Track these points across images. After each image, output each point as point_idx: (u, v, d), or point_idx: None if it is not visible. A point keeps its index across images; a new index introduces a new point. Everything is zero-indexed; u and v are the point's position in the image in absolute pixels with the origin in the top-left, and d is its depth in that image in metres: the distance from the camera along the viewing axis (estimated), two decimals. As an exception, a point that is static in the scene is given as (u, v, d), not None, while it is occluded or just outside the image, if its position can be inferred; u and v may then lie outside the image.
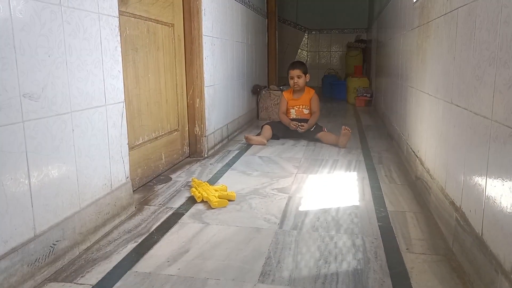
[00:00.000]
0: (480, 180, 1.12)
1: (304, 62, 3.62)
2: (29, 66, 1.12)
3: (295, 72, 3.23)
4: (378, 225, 1.56)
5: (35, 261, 1.14)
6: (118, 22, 1.58)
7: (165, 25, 2.27)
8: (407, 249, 1.37)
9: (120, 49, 1.60)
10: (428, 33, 1.91)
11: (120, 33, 1.60)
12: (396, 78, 3.09)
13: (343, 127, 2.91)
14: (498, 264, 0.98)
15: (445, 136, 1.54)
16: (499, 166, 1.00)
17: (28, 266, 1.12)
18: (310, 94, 3.29)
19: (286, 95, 3.33)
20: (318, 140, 3.08)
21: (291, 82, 3.25)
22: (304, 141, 3.10)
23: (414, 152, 2.16)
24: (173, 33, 2.38)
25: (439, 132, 1.63)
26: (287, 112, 3.31)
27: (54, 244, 1.22)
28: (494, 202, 1.02)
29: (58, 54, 1.24)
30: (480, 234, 1.11)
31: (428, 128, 1.85)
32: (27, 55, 1.11)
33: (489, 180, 1.06)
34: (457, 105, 1.37)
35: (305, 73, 3.24)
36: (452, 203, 1.38)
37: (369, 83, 5.63)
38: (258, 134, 3.14)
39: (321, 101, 3.40)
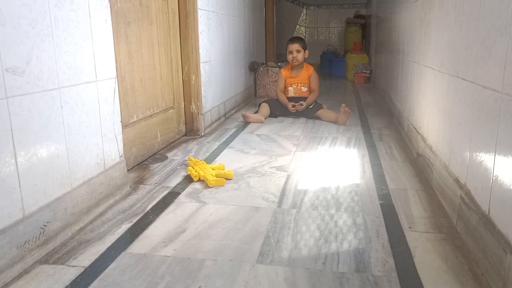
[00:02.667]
0: (488, 157, 1.07)
1: (303, 38, 3.54)
2: (11, 38, 1.05)
3: (294, 46, 3.13)
4: (380, 203, 1.52)
5: (25, 243, 1.10)
6: (107, -7, 1.50)
7: (158, -2, 2.18)
8: (409, 227, 1.33)
9: (110, 22, 1.52)
10: (432, 4, 1.83)
11: (110, 5, 1.52)
12: (397, 53, 3.02)
13: (342, 105, 2.85)
14: (506, 243, 0.94)
15: (449, 112, 1.48)
16: (509, 141, 0.95)
17: (17, 248, 1.07)
18: (309, 71, 3.21)
19: (284, 72, 3.24)
20: (317, 118, 3.02)
21: (289, 57, 3.15)
22: (303, 119, 3.04)
23: (415, 129, 2.11)
24: (167, 6, 2.29)
25: (443, 107, 1.58)
26: (285, 90, 3.23)
27: (45, 226, 1.17)
28: (503, 179, 0.97)
29: (43, 26, 1.16)
30: (487, 212, 1.06)
31: (431, 104, 1.79)
32: (8, 26, 1.04)
33: (498, 157, 1.01)
34: (464, 79, 1.31)
35: (304, 49, 3.15)
36: (457, 180, 1.34)
37: (368, 59, 5.53)
38: (256, 112, 3.08)
39: (319, 78, 3.32)
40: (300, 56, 3.13)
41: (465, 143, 1.27)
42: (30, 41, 1.12)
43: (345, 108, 2.80)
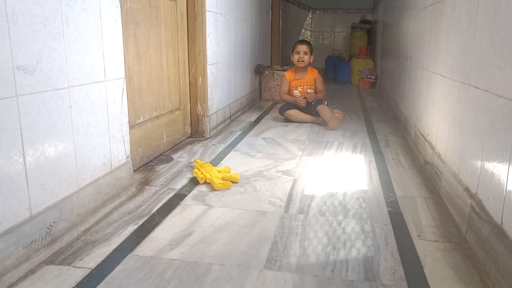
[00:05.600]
0: (501, 167, 1.06)
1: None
2: (23, 36, 1.04)
3: (303, 48, 3.12)
4: (388, 210, 1.50)
5: (31, 243, 1.09)
6: (118, -7, 1.49)
7: (167, -1, 2.17)
8: (418, 236, 1.32)
9: (120, 22, 1.51)
10: (443, 11, 1.82)
11: (120, 5, 1.52)
12: (404, 59, 3.00)
13: (335, 110, 2.84)
14: (520, 255, 0.92)
15: (460, 120, 1.47)
16: (525, 151, 0.94)
17: (23, 248, 1.06)
18: (314, 74, 3.20)
19: (288, 75, 3.22)
20: (318, 115, 3.00)
21: (296, 57, 3.13)
22: (308, 123, 3.02)
23: (423, 136, 2.10)
24: (176, 7, 2.29)
25: (453, 115, 1.57)
26: (290, 94, 3.21)
27: (51, 226, 1.16)
28: (518, 189, 0.96)
29: (54, 24, 1.16)
30: (500, 223, 1.05)
31: (440, 111, 1.78)
32: (20, 25, 1.03)
33: (513, 167, 0.99)
34: (476, 87, 1.30)
35: (311, 52, 3.15)
36: (467, 189, 1.33)
37: (373, 64, 5.52)
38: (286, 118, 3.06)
39: (324, 82, 3.31)
40: (306, 58, 3.12)
41: (477, 152, 1.25)
42: (41, 40, 1.11)
43: (338, 113, 2.80)
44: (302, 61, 3.12)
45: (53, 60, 1.16)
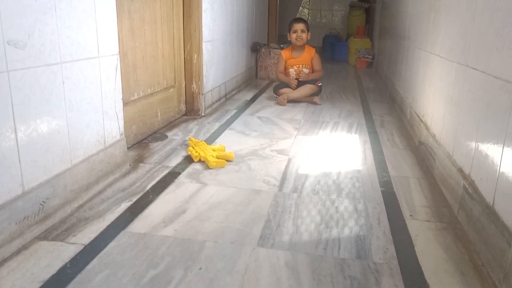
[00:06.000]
0: (496, 148, 1.06)
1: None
2: (13, 10, 1.02)
3: (299, 26, 3.09)
4: (381, 190, 1.51)
5: (24, 219, 1.09)
6: (111, -34, 1.46)
7: (162, -27, 2.12)
8: (410, 215, 1.33)
9: (114, -4, 1.48)
10: (443, -10, 1.79)
11: (114, -21, 1.48)
12: (402, 39, 2.98)
13: (316, 98, 2.98)
14: (510, 235, 0.93)
15: (456, 101, 1.46)
16: (519, 133, 0.94)
17: (16, 224, 1.06)
18: (311, 53, 3.17)
19: (284, 54, 3.19)
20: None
21: (293, 36, 3.10)
22: (304, 103, 3.01)
23: (418, 116, 2.10)
24: (171, -18, 2.24)
25: (449, 96, 1.56)
26: (286, 73, 3.19)
27: (44, 202, 1.16)
28: (511, 172, 0.96)
29: (45, -3, 1.13)
30: (491, 204, 1.06)
31: (437, 92, 1.77)
32: (10, -3, 1.00)
33: (507, 149, 0.99)
34: (474, 68, 1.29)
35: (307, 30, 3.12)
36: (460, 170, 1.33)
37: (371, 44, 5.48)
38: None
39: (321, 61, 3.28)
40: (304, 36, 3.10)
41: (472, 134, 1.26)
42: (33, 14, 1.08)
43: (316, 100, 2.96)
44: (301, 39, 3.09)
45: (45, 35, 1.14)
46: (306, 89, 2.99)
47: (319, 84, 3.05)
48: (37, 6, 1.10)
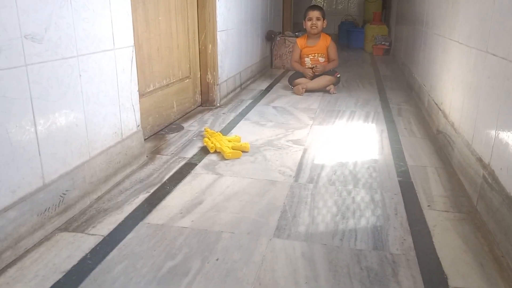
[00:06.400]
0: (516, 137, 1.04)
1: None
2: (30, 4, 1.03)
3: (315, 14, 3.03)
4: (398, 180, 1.50)
5: (45, 210, 1.11)
6: (125, -42, 1.46)
7: (176, -37, 2.12)
8: (428, 206, 1.31)
9: (128, -12, 1.48)
10: (462, -26, 1.74)
11: (128, -30, 1.48)
12: (420, 25, 2.92)
13: (332, 87, 2.96)
14: (531, 226, 0.91)
15: (475, 88, 1.43)
16: (541, 122, 0.91)
17: (37, 215, 1.09)
18: (327, 42, 3.12)
19: (299, 42, 3.15)
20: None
21: (308, 24, 3.05)
22: (319, 92, 2.99)
23: (436, 105, 2.06)
24: (185, -28, 2.23)
25: (468, 83, 1.53)
26: (301, 61, 3.15)
27: (64, 194, 1.18)
28: (532, 161, 0.94)
29: (61, -9, 1.14)
30: (512, 194, 1.04)
31: (455, 79, 1.73)
32: (27, -8, 1.01)
33: (528, 137, 0.97)
34: (494, 54, 1.26)
35: (323, 17, 3.07)
36: (480, 159, 1.31)
37: (388, 31, 5.38)
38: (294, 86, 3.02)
39: (337, 49, 3.24)
40: (319, 24, 3.04)
41: (492, 122, 1.23)
42: (49, 7, 1.09)
43: (331, 89, 2.95)
44: (316, 27, 3.04)
45: (61, 28, 1.15)
46: (324, 80, 2.95)
47: (338, 76, 3.01)
48: None
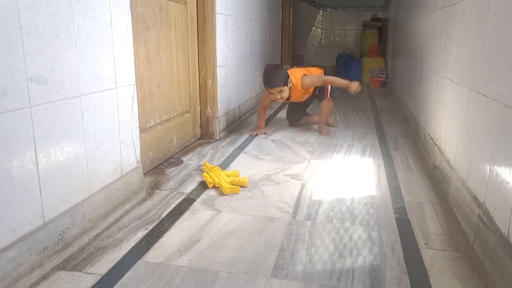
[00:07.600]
0: (509, 177, 1.06)
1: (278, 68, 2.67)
2: (36, 47, 1.07)
3: (274, 90, 2.57)
4: (395, 217, 1.51)
5: (44, 249, 1.12)
6: (129, 0, 1.51)
7: (177, 2, 2.19)
8: (425, 244, 1.32)
9: (131, 28, 1.54)
10: (453, 15, 1.81)
11: (131, 11, 1.54)
12: (415, 60, 2.99)
13: (330, 120, 2.93)
14: (526, 268, 0.92)
15: (468, 126, 1.46)
16: (532, 165, 0.94)
17: (36, 254, 1.09)
18: (309, 91, 2.74)
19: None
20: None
21: (273, 98, 2.65)
22: (317, 125, 3.02)
23: (432, 140, 2.09)
24: (186, 11, 2.30)
25: (462, 121, 1.56)
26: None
27: (63, 232, 1.19)
28: (525, 203, 0.96)
29: (66, 34, 1.18)
30: (506, 234, 1.05)
31: (449, 116, 1.77)
32: (33, 36, 1.05)
33: (520, 179, 0.99)
34: (485, 95, 1.29)
35: (285, 84, 2.57)
36: (475, 198, 1.32)
37: (384, 63, 5.49)
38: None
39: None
40: (284, 94, 2.60)
41: (485, 161, 1.25)
42: (54, 50, 1.13)
43: (326, 132, 2.75)
44: (282, 98, 2.63)
45: (65, 69, 1.18)
46: (324, 113, 2.79)
47: (327, 96, 2.74)
48: (58, 42, 1.15)
